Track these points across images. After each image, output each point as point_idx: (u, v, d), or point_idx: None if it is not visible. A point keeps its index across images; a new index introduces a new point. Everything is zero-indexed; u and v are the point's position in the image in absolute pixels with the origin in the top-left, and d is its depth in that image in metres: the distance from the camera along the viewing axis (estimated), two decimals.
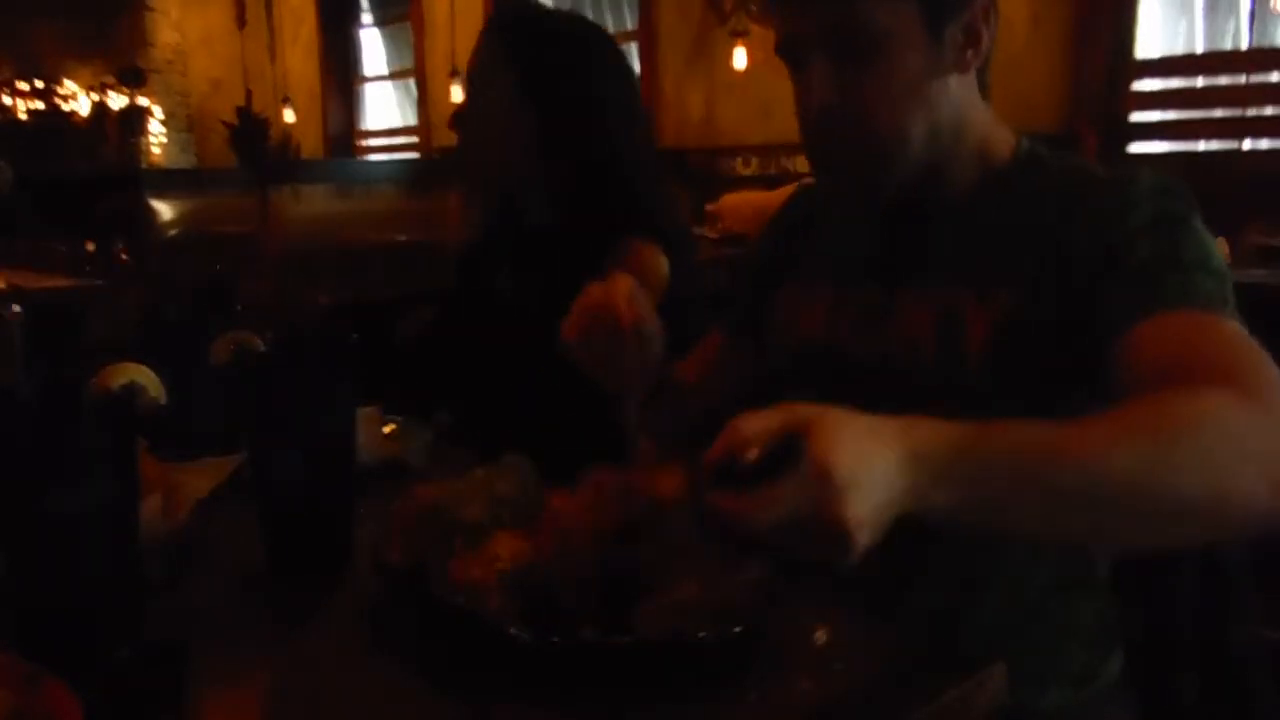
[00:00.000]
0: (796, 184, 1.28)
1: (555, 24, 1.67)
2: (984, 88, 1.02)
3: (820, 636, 0.83)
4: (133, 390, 1.15)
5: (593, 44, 1.63)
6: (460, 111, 1.71)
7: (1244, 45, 3.46)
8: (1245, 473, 0.68)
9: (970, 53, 0.97)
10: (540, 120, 1.55)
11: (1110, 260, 0.89)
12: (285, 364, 0.99)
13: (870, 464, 0.63)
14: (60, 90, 8.06)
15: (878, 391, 0.75)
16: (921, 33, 0.94)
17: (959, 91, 0.99)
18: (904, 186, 0.99)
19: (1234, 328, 0.83)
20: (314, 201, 4.76)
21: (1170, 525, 0.71)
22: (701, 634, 0.73)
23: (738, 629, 0.73)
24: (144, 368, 1.18)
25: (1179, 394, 0.73)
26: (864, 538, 0.63)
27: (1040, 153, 1.03)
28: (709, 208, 4.44)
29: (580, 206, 1.56)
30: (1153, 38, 3.59)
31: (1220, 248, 2.95)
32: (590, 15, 6.01)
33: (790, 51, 0.99)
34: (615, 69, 1.64)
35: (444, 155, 5.28)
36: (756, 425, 0.64)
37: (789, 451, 0.63)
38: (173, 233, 4.51)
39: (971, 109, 1.01)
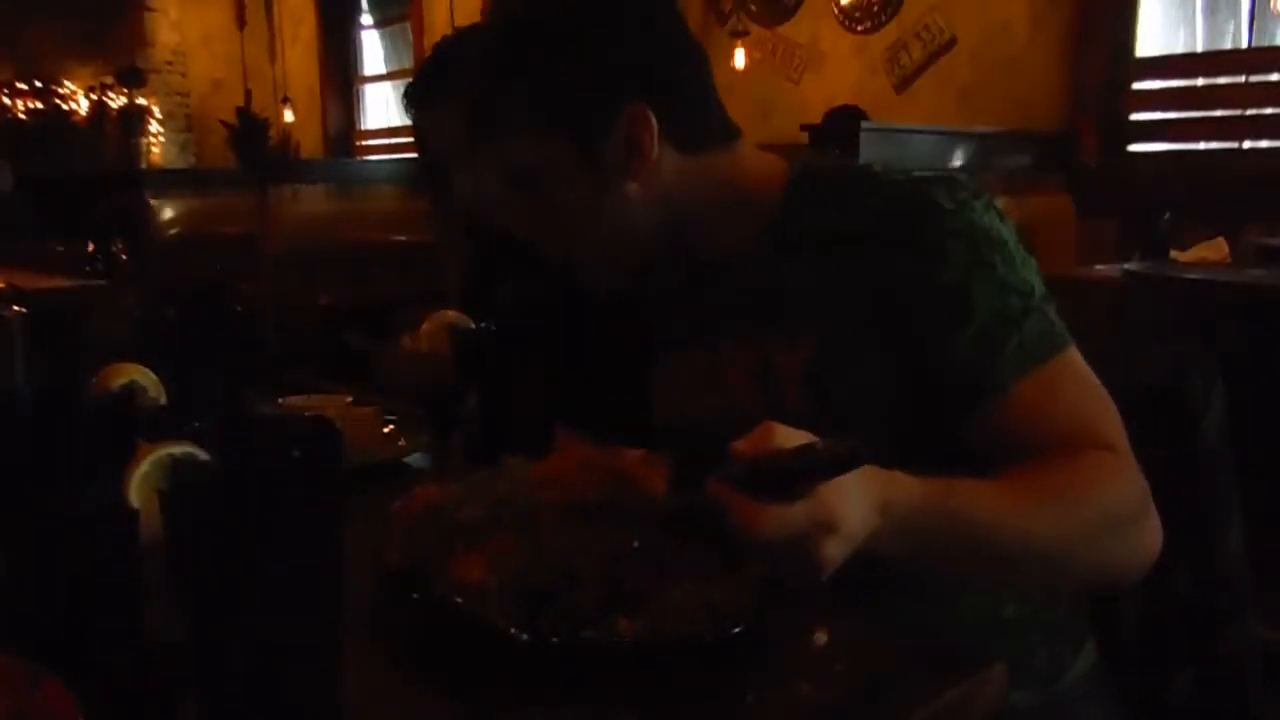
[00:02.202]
0: None
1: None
2: (708, 143, 0.98)
3: (820, 637, 0.83)
4: (133, 390, 1.15)
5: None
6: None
7: (1244, 45, 3.46)
8: (1124, 547, 0.83)
9: (634, 163, 0.93)
10: None
11: (950, 317, 0.88)
12: (234, 506, 0.62)
13: (858, 513, 0.70)
14: (60, 90, 8.06)
15: (716, 446, 0.76)
16: (573, 164, 0.94)
17: (659, 183, 0.95)
18: (654, 266, 1.01)
19: (1072, 366, 0.88)
20: (313, 201, 4.76)
21: (1066, 579, 0.90)
22: (701, 634, 0.73)
23: (738, 629, 0.73)
24: (144, 368, 1.18)
25: (1073, 464, 0.82)
26: (827, 573, 0.70)
27: (813, 175, 1.00)
28: None
29: None
30: (1153, 38, 3.59)
31: (1220, 248, 2.96)
32: None
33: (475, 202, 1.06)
34: None
35: None
36: (790, 437, 0.70)
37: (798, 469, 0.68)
38: (172, 233, 4.51)
39: (695, 183, 0.97)
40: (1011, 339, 0.87)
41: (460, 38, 1.62)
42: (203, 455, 0.78)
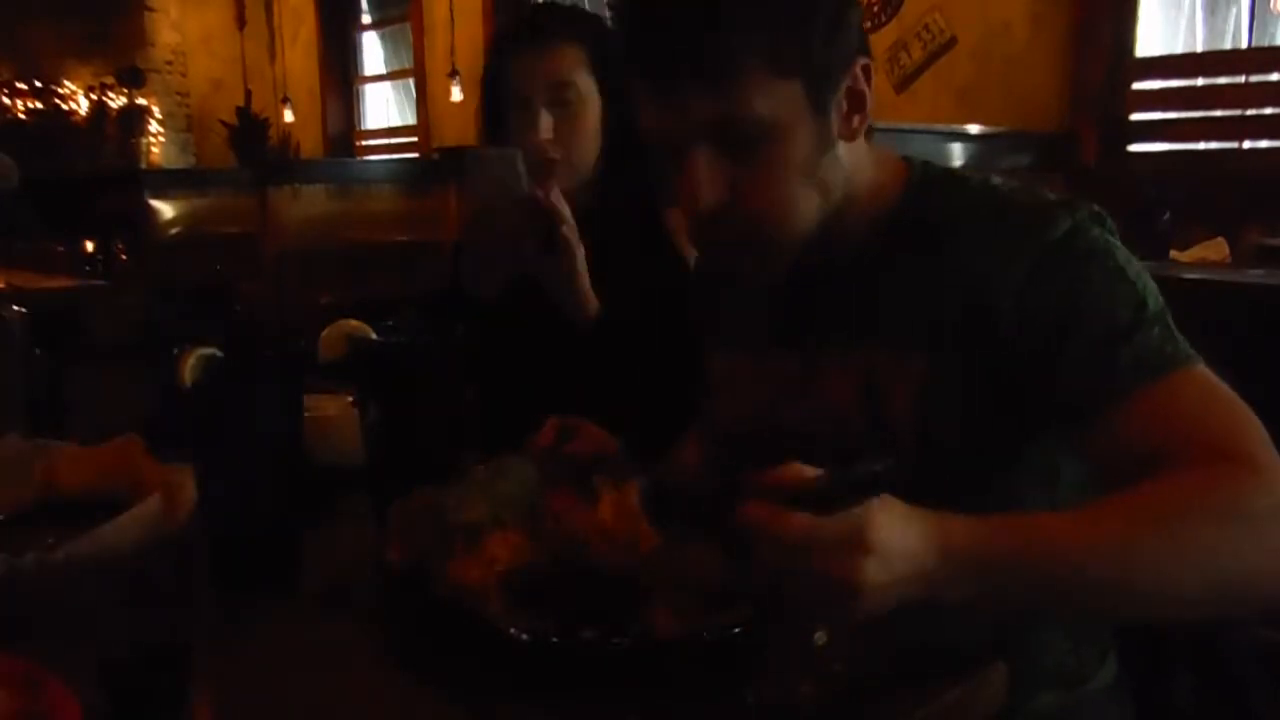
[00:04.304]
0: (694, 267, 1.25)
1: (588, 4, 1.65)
2: (869, 134, 0.95)
3: (820, 637, 0.83)
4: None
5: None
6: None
7: (1244, 45, 3.46)
8: (1259, 555, 0.72)
9: (857, 119, 0.91)
10: (610, 100, 1.51)
11: (1057, 330, 0.84)
12: (233, 379, 1.00)
13: (905, 543, 0.67)
14: (60, 90, 8.05)
15: (810, 462, 0.75)
16: (807, 112, 0.87)
17: (848, 158, 0.92)
18: (795, 258, 0.94)
19: (1197, 381, 0.82)
20: (313, 201, 4.76)
21: (1192, 601, 0.75)
22: (701, 634, 0.73)
23: (737, 629, 0.73)
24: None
25: (1186, 479, 0.75)
26: (867, 605, 0.66)
27: (931, 182, 0.96)
28: None
29: (613, 185, 1.54)
30: (1153, 37, 3.58)
31: (1220, 248, 2.96)
32: None
33: (666, 146, 0.90)
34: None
35: (444, 155, 5.27)
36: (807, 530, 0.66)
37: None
38: (172, 233, 4.51)
39: (860, 168, 0.94)
40: (1121, 353, 0.82)
41: None
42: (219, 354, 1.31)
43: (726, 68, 0.84)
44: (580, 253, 1.38)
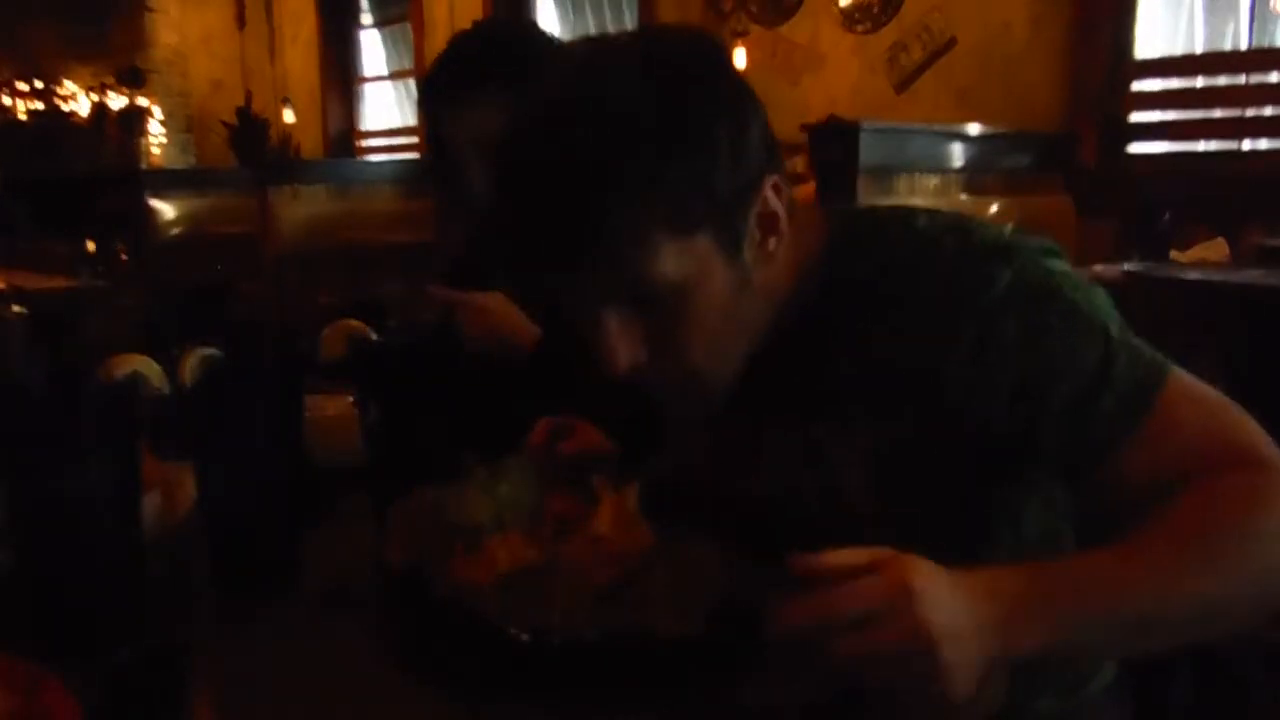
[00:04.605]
0: None
1: (516, 40, 1.57)
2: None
3: None
4: (135, 380, 1.17)
5: (543, 42, 1.60)
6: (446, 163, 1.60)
7: (1244, 45, 3.46)
8: None
9: (772, 241, 0.83)
10: None
11: (1027, 395, 0.79)
12: (233, 379, 0.99)
13: (944, 583, 0.64)
14: (60, 90, 8.05)
15: (762, 522, 0.75)
16: (718, 259, 0.79)
17: (764, 275, 0.84)
18: (731, 385, 0.88)
19: (1179, 393, 0.79)
20: (314, 201, 4.76)
21: (1235, 622, 0.76)
22: (701, 634, 0.73)
23: (737, 629, 0.73)
24: (147, 359, 1.19)
25: (1210, 496, 0.74)
26: (952, 655, 0.62)
27: (858, 238, 0.89)
28: None
29: None
30: (1153, 38, 3.58)
31: (1220, 248, 2.95)
32: (590, 15, 6.00)
33: (570, 310, 0.83)
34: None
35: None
36: (845, 555, 0.64)
37: None
38: (173, 233, 4.52)
39: (779, 271, 0.86)
40: (1103, 402, 0.78)
41: (483, 33, 1.62)
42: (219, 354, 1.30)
43: (627, 240, 0.76)
44: (488, 318, 1.42)
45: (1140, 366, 0.79)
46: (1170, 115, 3.53)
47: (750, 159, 0.80)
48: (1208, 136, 3.49)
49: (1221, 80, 3.47)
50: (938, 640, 0.62)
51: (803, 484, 0.89)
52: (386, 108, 7.75)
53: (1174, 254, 2.88)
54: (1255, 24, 3.41)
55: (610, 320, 0.80)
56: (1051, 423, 0.79)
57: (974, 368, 0.80)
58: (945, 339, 0.81)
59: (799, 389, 0.89)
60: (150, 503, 0.92)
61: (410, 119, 7.24)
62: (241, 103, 7.69)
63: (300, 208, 4.69)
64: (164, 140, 8.23)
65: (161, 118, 8.22)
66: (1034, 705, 0.96)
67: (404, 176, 5.34)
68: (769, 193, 0.81)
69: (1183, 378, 0.80)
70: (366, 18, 7.78)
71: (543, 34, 1.62)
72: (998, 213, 3.19)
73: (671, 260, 0.77)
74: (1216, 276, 2.57)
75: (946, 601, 0.63)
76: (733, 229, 0.80)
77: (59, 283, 3.27)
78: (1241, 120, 3.38)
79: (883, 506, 0.85)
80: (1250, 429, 0.78)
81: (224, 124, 7.60)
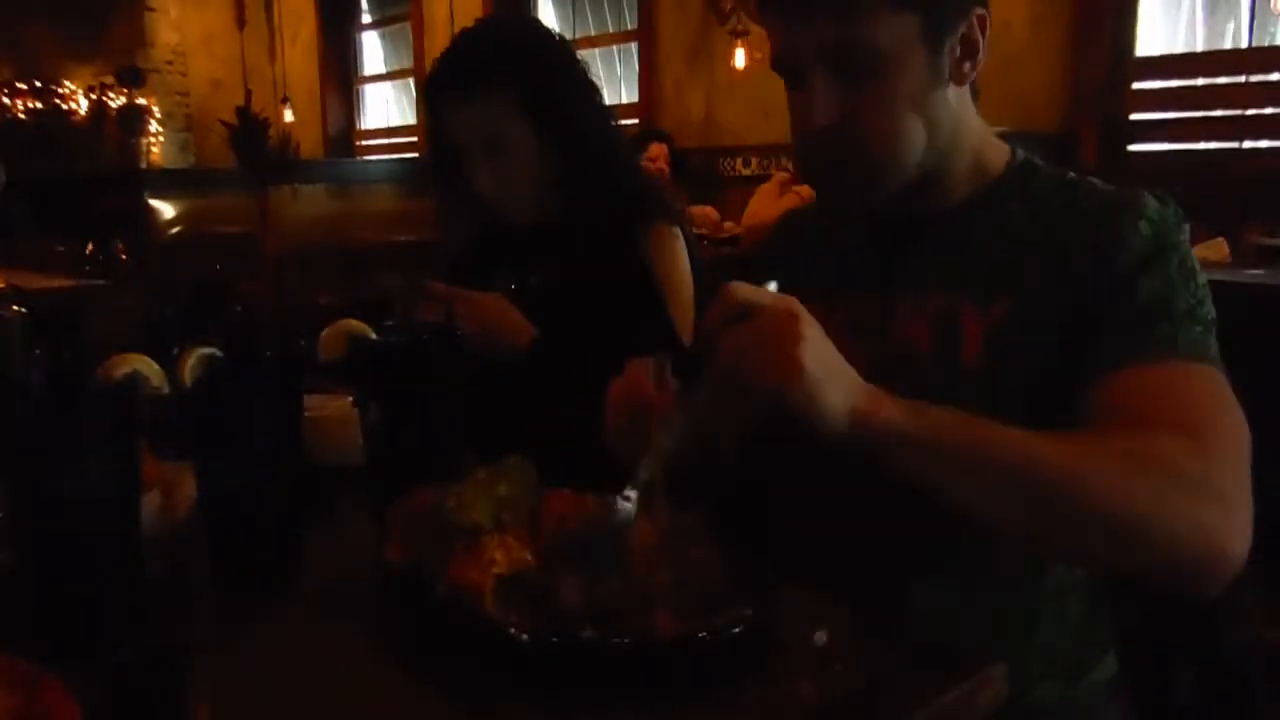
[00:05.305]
0: (786, 211, 1.28)
1: (521, 36, 1.59)
2: (975, 96, 1.03)
3: (820, 636, 0.83)
4: (135, 379, 1.17)
5: (547, 37, 1.61)
6: (444, 160, 1.62)
7: (1244, 45, 3.46)
8: (1171, 512, 0.78)
9: (968, 64, 0.97)
10: (552, 136, 1.53)
11: (1110, 293, 0.91)
12: (233, 379, 0.98)
13: (833, 350, 0.79)
14: (60, 90, 8.06)
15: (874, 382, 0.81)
16: (920, 48, 0.93)
17: (955, 103, 0.99)
18: (897, 196, 0.99)
19: (1207, 377, 0.87)
20: (313, 201, 4.76)
21: (1090, 537, 0.81)
22: (702, 633, 0.73)
23: (738, 628, 0.73)
24: (147, 358, 1.19)
25: (1134, 431, 0.83)
26: (808, 383, 0.76)
27: (1035, 163, 1.04)
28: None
29: (580, 199, 1.56)
30: (1153, 37, 3.59)
31: (1220, 248, 2.96)
32: (590, 15, 6.00)
33: (788, 67, 0.98)
34: (568, 51, 1.61)
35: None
36: (748, 290, 0.79)
37: None
38: (172, 233, 4.51)
39: (966, 121, 1.01)
40: (1161, 327, 0.88)
41: (486, 30, 1.63)
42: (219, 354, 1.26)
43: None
44: (485, 314, 1.44)
45: (1203, 342, 0.88)
46: (1170, 115, 3.53)
47: None
48: (1208, 136, 3.50)
49: (1221, 80, 3.47)
50: (802, 371, 0.75)
51: (923, 352, 0.99)
52: (386, 108, 7.76)
53: None
54: (1255, 24, 3.41)
55: (819, 79, 0.94)
56: (1116, 320, 0.89)
57: (1099, 251, 0.92)
58: (1090, 238, 0.93)
59: (942, 264, 1.00)
60: (150, 503, 0.92)
61: (410, 119, 7.24)
62: (241, 102, 7.70)
63: (300, 207, 4.69)
64: (164, 140, 8.24)
65: (161, 117, 8.22)
66: (1033, 692, 0.97)
67: (404, 176, 5.34)
68: (975, 21, 0.96)
69: (1221, 380, 0.87)
70: (366, 18, 7.78)
71: (546, 31, 1.63)
72: None
73: (883, 28, 0.91)
74: (1216, 276, 2.56)
75: (824, 342, 0.78)
76: (940, 27, 0.94)
77: (59, 283, 3.26)
78: (1241, 120, 3.38)
79: (992, 369, 0.95)
80: (1233, 434, 0.83)
81: (223, 124, 7.61)
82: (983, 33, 0.97)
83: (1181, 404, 0.85)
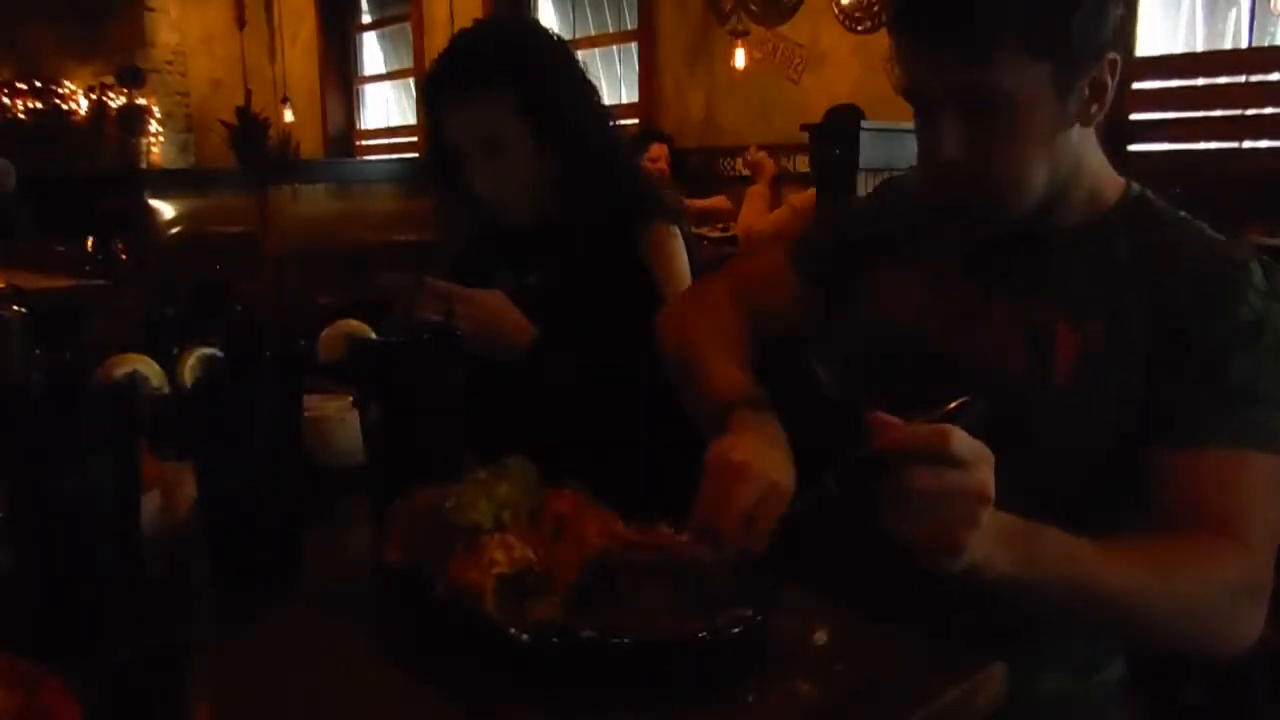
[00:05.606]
0: (884, 180, 1.27)
1: (520, 37, 1.58)
2: (1098, 129, 1.03)
3: (820, 636, 0.83)
4: (135, 379, 1.17)
5: (546, 38, 1.61)
6: (442, 160, 1.62)
7: (1244, 45, 3.46)
8: (1223, 622, 0.88)
9: (1094, 106, 0.97)
10: (551, 136, 1.53)
11: (1203, 363, 0.92)
12: (233, 379, 0.99)
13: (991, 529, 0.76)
14: (60, 90, 8.06)
15: (960, 388, 0.81)
16: (1050, 92, 0.93)
17: (1077, 139, 0.99)
18: (1013, 223, 1.01)
19: (1271, 469, 0.90)
20: (313, 201, 4.75)
21: (1153, 640, 0.96)
22: (701, 634, 0.73)
23: (737, 629, 0.73)
24: (147, 358, 1.19)
25: (1198, 545, 0.88)
26: (955, 561, 0.75)
27: (1148, 197, 1.05)
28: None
29: (579, 199, 1.56)
30: (1153, 37, 3.59)
31: None
32: (590, 15, 6.00)
33: (918, 101, 0.99)
34: (567, 51, 1.61)
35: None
36: (968, 446, 0.74)
37: None
38: (172, 233, 4.51)
39: (1087, 155, 1.02)
40: (1239, 412, 0.90)
41: (486, 30, 1.63)
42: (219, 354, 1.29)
43: (984, 44, 0.91)
44: (485, 313, 1.43)
45: (1275, 427, 0.91)
46: (1170, 115, 3.53)
47: (1105, 26, 0.93)
48: (1208, 136, 3.50)
49: (1221, 80, 3.47)
50: (989, 500, 0.73)
51: (1012, 353, 1.00)
52: (386, 108, 7.76)
53: None
54: (1255, 24, 3.42)
55: (947, 117, 0.96)
56: (1198, 392, 0.92)
57: (1199, 316, 0.94)
58: (1193, 292, 0.95)
59: (1047, 274, 1.01)
60: (150, 503, 0.92)
61: (410, 119, 7.24)
62: (241, 103, 7.70)
63: (300, 207, 4.68)
64: (164, 140, 8.23)
65: (161, 117, 8.22)
66: (1040, 685, 0.97)
67: (404, 176, 5.33)
68: (1107, 65, 0.95)
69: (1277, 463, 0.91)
70: (366, 18, 7.78)
71: (545, 32, 1.63)
72: None
73: (1014, 76, 0.91)
74: None
75: (987, 528, 0.75)
76: (1071, 74, 0.93)
77: (59, 283, 3.26)
78: (1241, 120, 3.38)
79: (1081, 389, 0.97)
80: (1272, 550, 0.89)
81: (223, 124, 7.61)
82: (1113, 76, 0.96)
83: (1240, 502, 0.89)
